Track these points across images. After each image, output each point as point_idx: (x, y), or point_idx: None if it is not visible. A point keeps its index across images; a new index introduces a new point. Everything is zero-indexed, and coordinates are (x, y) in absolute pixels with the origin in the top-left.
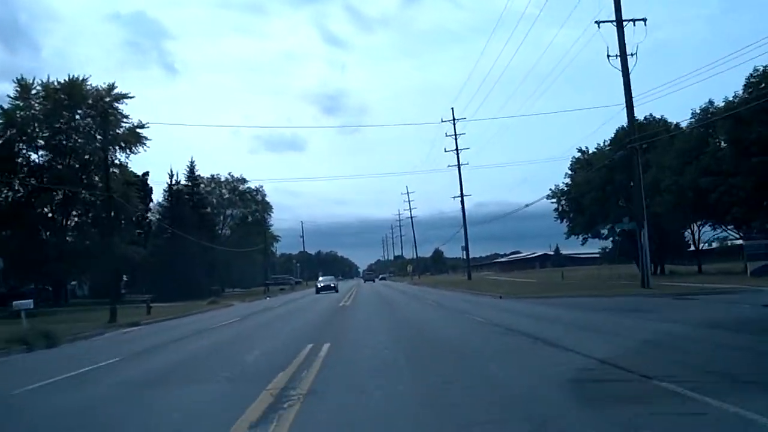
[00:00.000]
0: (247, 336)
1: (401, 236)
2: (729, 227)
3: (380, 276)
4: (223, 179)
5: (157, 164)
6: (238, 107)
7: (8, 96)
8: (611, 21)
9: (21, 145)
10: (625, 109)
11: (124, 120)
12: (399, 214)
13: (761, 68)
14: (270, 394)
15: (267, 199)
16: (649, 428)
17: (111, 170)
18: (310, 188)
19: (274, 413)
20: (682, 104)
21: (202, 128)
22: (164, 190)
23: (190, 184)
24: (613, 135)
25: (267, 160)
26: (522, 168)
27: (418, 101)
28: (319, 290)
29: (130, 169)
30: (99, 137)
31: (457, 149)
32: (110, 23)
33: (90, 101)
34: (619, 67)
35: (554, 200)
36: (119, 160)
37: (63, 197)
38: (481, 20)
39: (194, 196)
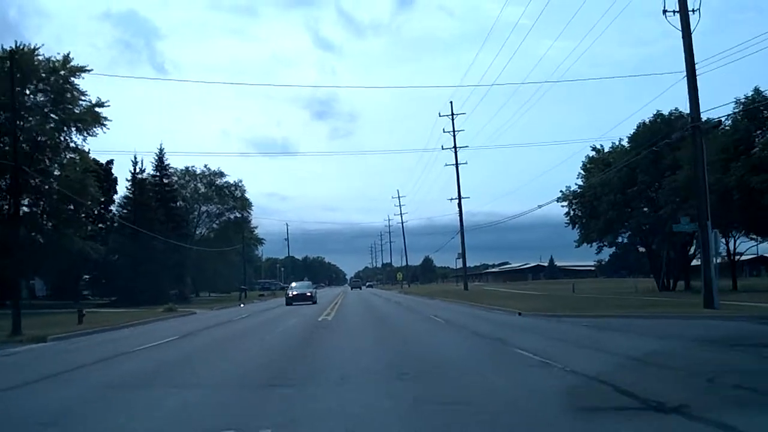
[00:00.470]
0: (130, 385)
1: (390, 242)
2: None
3: (367, 284)
4: (198, 171)
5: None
6: (228, 110)
7: None
8: None
9: None
10: (685, 79)
11: (82, 97)
12: (389, 220)
13: None
14: None
15: (247, 195)
16: None
17: (68, 155)
18: (299, 193)
19: None
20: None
21: (191, 130)
22: (126, 179)
23: (158, 174)
24: (634, 130)
25: (256, 164)
26: (511, 179)
27: (409, 108)
28: (289, 301)
29: (93, 156)
30: (53, 116)
31: (455, 146)
32: (101, 21)
33: (42, 74)
34: (677, 25)
35: (565, 204)
36: (75, 143)
37: (10, 183)
38: (472, 29)
39: (163, 188)
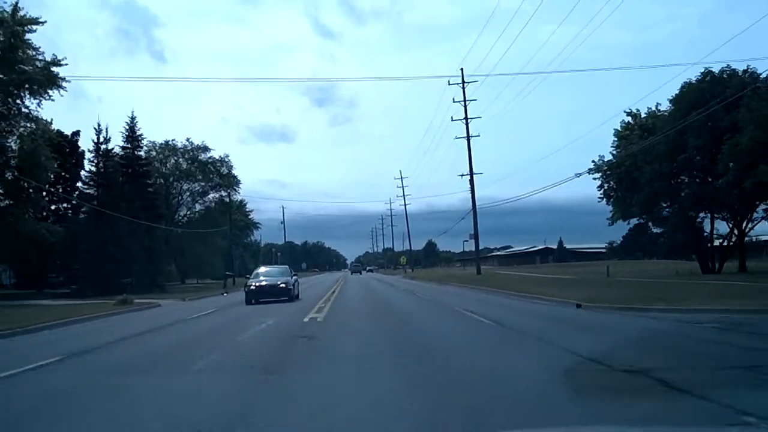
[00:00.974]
0: None
1: (392, 226)
2: None
3: (367, 268)
4: (180, 145)
5: None
6: (227, 97)
7: None
8: None
9: None
10: None
11: (35, 54)
12: (390, 202)
13: None
14: None
15: (234, 172)
16: None
17: (24, 124)
18: (300, 179)
19: None
20: None
21: (191, 116)
22: (89, 150)
23: (129, 146)
24: (678, 91)
25: (256, 150)
26: (509, 164)
27: (410, 94)
28: (250, 297)
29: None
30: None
31: (466, 117)
32: (99, 10)
33: None
34: None
35: (598, 176)
36: (29, 108)
37: None
38: (472, 15)
39: (134, 162)
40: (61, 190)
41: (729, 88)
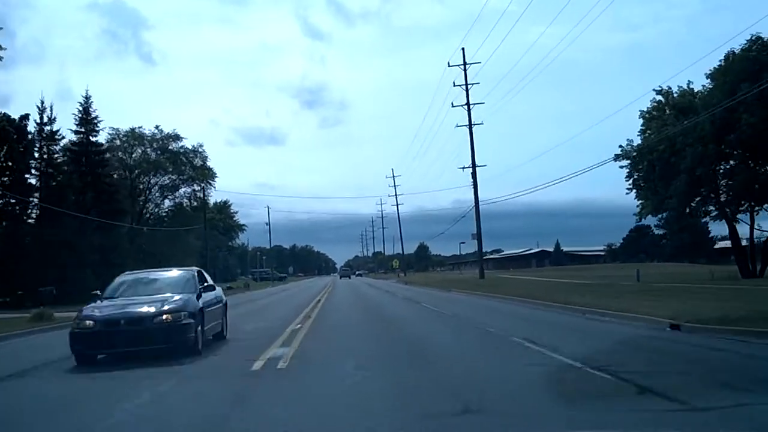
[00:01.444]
0: None
1: (383, 228)
2: None
3: (356, 272)
4: (148, 133)
5: None
6: (216, 99)
7: None
8: None
9: None
10: None
11: None
12: (381, 203)
13: None
14: None
15: (209, 163)
16: None
17: None
18: (289, 182)
19: None
20: None
21: (180, 120)
22: (29, 133)
23: (83, 131)
24: (719, 63)
25: (245, 154)
26: (499, 165)
27: (400, 96)
28: (83, 349)
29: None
30: None
31: (468, 103)
32: (88, 12)
33: None
34: None
35: (626, 164)
36: None
37: None
38: (461, 17)
39: (88, 149)
40: (8, 182)
41: None
